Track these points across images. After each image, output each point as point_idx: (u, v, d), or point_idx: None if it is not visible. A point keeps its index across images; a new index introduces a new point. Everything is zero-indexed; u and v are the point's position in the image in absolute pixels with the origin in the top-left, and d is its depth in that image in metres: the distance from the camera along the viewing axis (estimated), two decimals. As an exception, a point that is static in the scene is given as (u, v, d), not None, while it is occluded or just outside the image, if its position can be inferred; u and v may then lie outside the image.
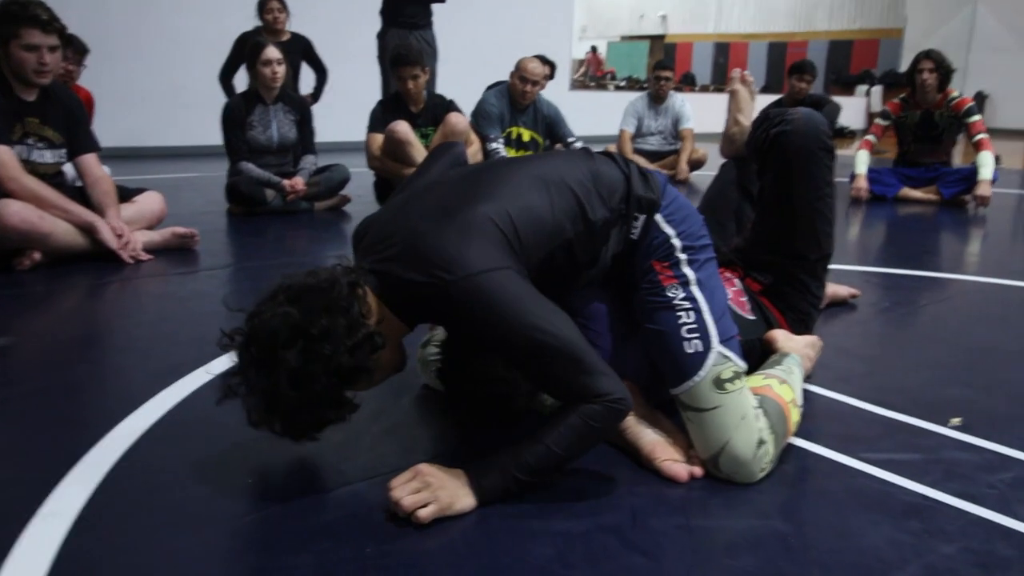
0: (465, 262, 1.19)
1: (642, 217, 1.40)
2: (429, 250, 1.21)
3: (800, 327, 1.78)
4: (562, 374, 1.19)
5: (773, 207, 1.76)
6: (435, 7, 5.35)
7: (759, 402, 1.38)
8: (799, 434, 1.48)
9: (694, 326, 1.36)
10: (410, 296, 1.23)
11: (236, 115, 3.82)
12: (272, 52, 3.79)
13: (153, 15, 6.48)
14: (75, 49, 4.06)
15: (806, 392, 1.68)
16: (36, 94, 2.75)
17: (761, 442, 1.31)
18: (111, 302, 2.42)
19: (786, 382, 1.48)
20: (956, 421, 1.58)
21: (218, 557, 1.09)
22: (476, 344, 1.40)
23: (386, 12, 5.26)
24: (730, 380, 1.34)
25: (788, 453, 1.41)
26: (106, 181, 2.92)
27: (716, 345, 1.36)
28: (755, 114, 1.96)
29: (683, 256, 1.41)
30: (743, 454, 1.29)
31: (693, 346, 1.35)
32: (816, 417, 1.59)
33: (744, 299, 1.72)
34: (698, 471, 1.32)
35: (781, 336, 1.69)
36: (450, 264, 1.18)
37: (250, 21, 5.08)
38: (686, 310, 1.37)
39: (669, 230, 1.41)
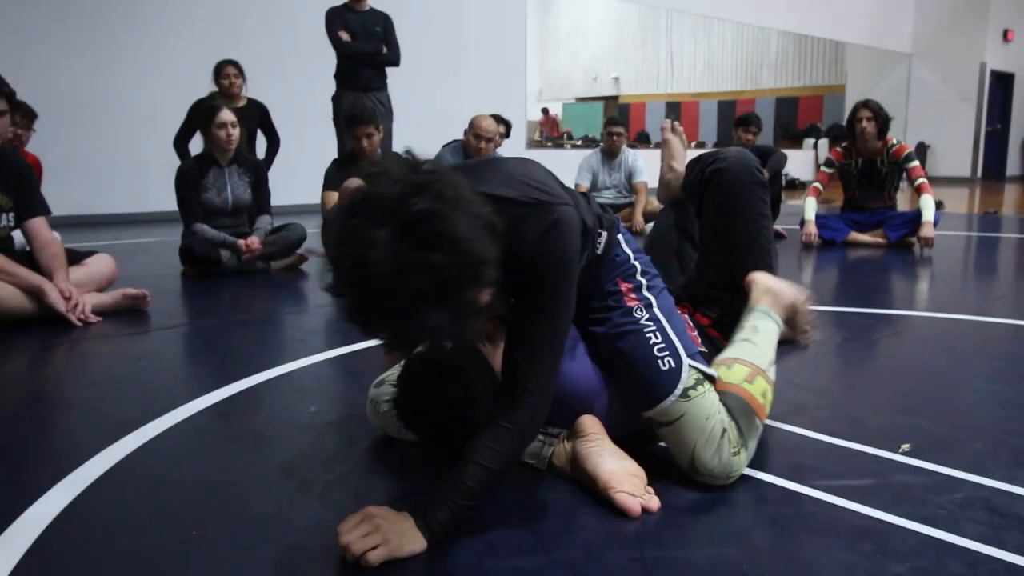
0: (555, 191, 1.25)
1: (605, 233, 1.47)
2: (522, 175, 1.24)
3: None
4: (538, 344, 1.22)
5: (714, 242, 1.82)
6: (390, 70, 5.46)
7: (720, 397, 1.44)
8: (752, 465, 1.48)
9: (663, 345, 1.42)
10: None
11: (190, 177, 3.82)
12: (226, 115, 3.81)
13: (105, 81, 6.50)
14: (24, 114, 4.04)
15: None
16: (-17, 158, 2.72)
17: (724, 432, 1.38)
18: (58, 364, 2.36)
19: (738, 360, 1.52)
20: (905, 447, 1.60)
21: (158, 611, 1.05)
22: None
23: (341, 75, 5.36)
24: (693, 387, 1.40)
25: (742, 484, 1.42)
26: (55, 244, 2.88)
27: (685, 359, 1.42)
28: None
29: (643, 280, 1.50)
30: (706, 460, 1.38)
31: (667, 363, 1.40)
32: (769, 448, 1.60)
33: (695, 333, 1.74)
34: (653, 504, 1.32)
35: (758, 279, 1.72)
36: (547, 188, 1.24)
37: (205, 88, 5.13)
38: (653, 331, 1.44)
39: (628, 251, 1.51)
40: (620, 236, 1.53)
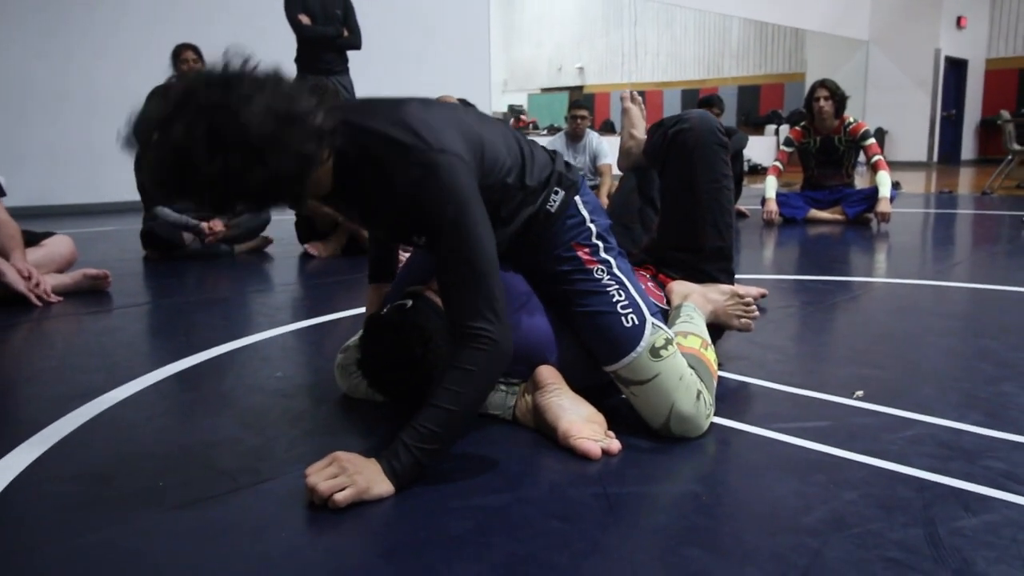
0: (441, 139, 1.24)
1: (561, 193, 1.48)
2: (412, 118, 1.25)
3: None
4: (463, 284, 1.22)
5: (676, 202, 1.84)
6: (351, 53, 5.43)
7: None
8: (719, 413, 1.52)
9: (626, 303, 1.46)
10: (367, 152, 1.24)
11: None
12: None
13: (55, 66, 6.35)
14: None
15: (722, 378, 1.73)
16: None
17: (699, 393, 1.41)
18: (19, 341, 2.33)
19: (690, 332, 1.57)
20: (859, 393, 1.65)
21: (127, 554, 1.05)
22: (395, 228, 1.39)
23: (301, 59, 5.31)
24: (664, 347, 1.42)
25: (707, 428, 1.45)
26: (10, 225, 2.82)
27: (649, 317, 1.45)
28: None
29: (599, 243, 1.51)
30: (688, 411, 1.39)
31: (631, 320, 1.43)
32: (730, 398, 1.64)
33: (660, 292, 1.78)
34: (614, 447, 1.35)
35: (676, 288, 1.77)
36: (428, 134, 1.23)
37: (161, 73, 5.05)
38: (616, 289, 1.47)
39: (585, 213, 1.51)
40: (579, 198, 1.53)
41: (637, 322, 1.43)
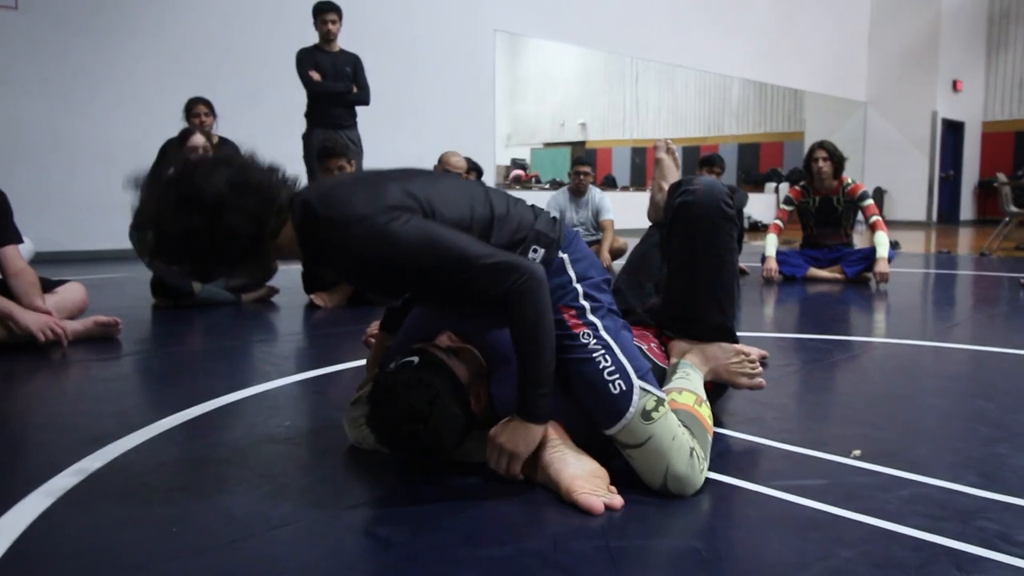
0: (357, 208, 1.40)
1: (541, 251, 1.52)
2: (343, 192, 1.45)
3: None
4: (470, 277, 1.39)
5: (679, 271, 1.84)
6: (360, 109, 5.58)
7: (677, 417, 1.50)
8: (715, 469, 1.55)
9: (612, 368, 1.46)
10: (311, 229, 1.43)
11: None
12: (198, 139, 3.87)
13: (73, 117, 6.52)
14: None
15: (722, 435, 1.77)
16: (-43, 187, 2.75)
17: (692, 451, 1.43)
18: (31, 385, 2.37)
19: (684, 389, 1.60)
20: (856, 452, 1.68)
21: (140, 599, 1.08)
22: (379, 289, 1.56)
23: (311, 114, 5.46)
24: (655, 409, 1.44)
25: (705, 485, 1.48)
26: (29, 272, 2.89)
27: (636, 381, 1.46)
28: None
29: (586, 304, 1.53)
30: (682, 471, 1.42)
31: (618, 386, 1.45)
32: (729, 454, 1.67)
33: (661, 351, 1.81)
34: (616, 503, 1.37)
35: (676, 345, 1.81)
36: (344, 207, 1.40)
37: (174, 125, 5.18)
38: (602, 355, 1.48)
39: (572, 273, 1.54)
40: (566, 255, 1.55)
41: (625, 388, 1.44)
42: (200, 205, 1.34)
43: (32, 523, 1.30)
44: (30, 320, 2.73)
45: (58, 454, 1.63)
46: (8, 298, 2.79)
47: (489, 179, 9.65)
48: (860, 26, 15.14)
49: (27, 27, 6.30)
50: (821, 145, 5.06)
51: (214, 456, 1.67)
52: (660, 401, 1.46)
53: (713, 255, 1.78)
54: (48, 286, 3.04)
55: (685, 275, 1.82)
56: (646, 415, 1.43)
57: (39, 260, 5.60)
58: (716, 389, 1.84)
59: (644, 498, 1.41)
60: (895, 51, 14.87)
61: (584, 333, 1.49)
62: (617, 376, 1.45)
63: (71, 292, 3.10)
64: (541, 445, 1.48)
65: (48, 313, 2.80)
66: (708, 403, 1.64)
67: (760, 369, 1.86)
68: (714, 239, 1.77)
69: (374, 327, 1.85)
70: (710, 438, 1.55)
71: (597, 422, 1.48)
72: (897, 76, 14.82)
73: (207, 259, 1.39)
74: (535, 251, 1.52)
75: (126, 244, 6.56)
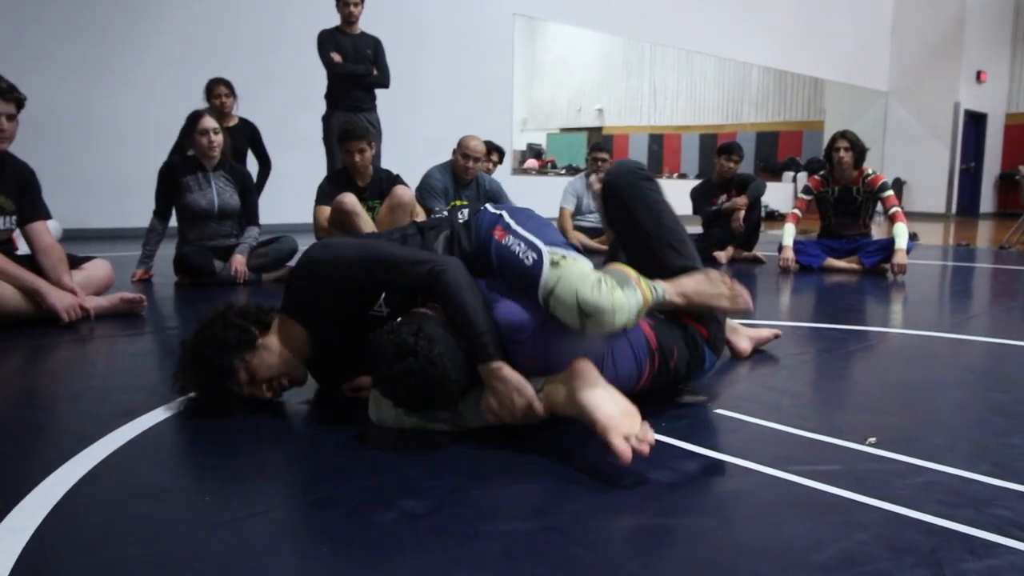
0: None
1: (465, 211, 1.93)
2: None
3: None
4: (394, 275, 1.69)
5: (631, 243, 1.99)
6: (379, 92, 5.60)
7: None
8: (731, 453, 1.58)
9: (523, 246, 1.71)
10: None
11: (169, 171, 3.93)
12: (208, 122, 3.91)
13: (101, 99, 6.59)
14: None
15: (736, 420, 1.80)
16: (-12, 163, 2.80)
17: (600, 280, 1.60)
18: (60, 360, 2.42)
19: (622, 268, 1.75)
20: (872, 440, 1.70)
21: (174, 567, 1.12)
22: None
23: (331, 96, 5.49)
24: (562, 258, 1.65)
25: (718, 466, 1.51)
26: (57, 248, 2.95)
27: (544, 247, 1.69)
28: None
29: (511, 220, 1.82)
30: (590, 295, 1.57)
31: (530, 258, 1.68)
32: (745, 440, 1.70)
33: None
34: (645, 449, 1.42)
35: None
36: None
37: (196, 106, 5.22)
38: (515, 242, 1.73)
39: (497, 211, 1.86)
40: (489, 206, 1.89)
41: (536, 256, 1.67)
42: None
43: (66, 493, 1.34)
44: (56, 299, 2.78)
45: (92, 425, 1.68)
46: (37, 273, 2.84)
47: (506, 164, 9.66)
48: (883, 15, 14.97)
49: (60, 11, 6.36)
50: (843, 135, 5.04)
51: (241, 430, 1.71)
52: (564, 256, 1.66)
53: (648, 209, 1.94)
54: (75, 262, 3.10)
55: (633, 237, 1.97)
56: (554, 263, 1.64)
57: (65, 237, 5.68)
58: (713, 325, 1.91)
59: (664, 479, 1.44)
60: (918, 41, 14.71)
61: (507, 238, 1.75)
62: (528, 250, 1.70)
63: (97, 269, 3.16)
64: (576, 380, 1.55)
65: (73, 291, 2.85)
66: (645, 280, 1.74)
67: (742, 288, 1.88)
68: (644, 195, 1.95)
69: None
70: (633, 284, 1.66)
71: (531, 297, 1.66)
72: (920, 66, 14.65)
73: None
74: (460, 212, 1.91)
75: (141, 223, 6.67)
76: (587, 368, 1.57)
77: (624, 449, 1.40)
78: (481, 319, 1.60)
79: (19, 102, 2.74)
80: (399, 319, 1.63)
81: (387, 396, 1.60)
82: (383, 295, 1.79)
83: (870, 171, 5.11)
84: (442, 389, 1.54)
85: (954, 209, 14.63)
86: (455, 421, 1.66)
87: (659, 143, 18.54)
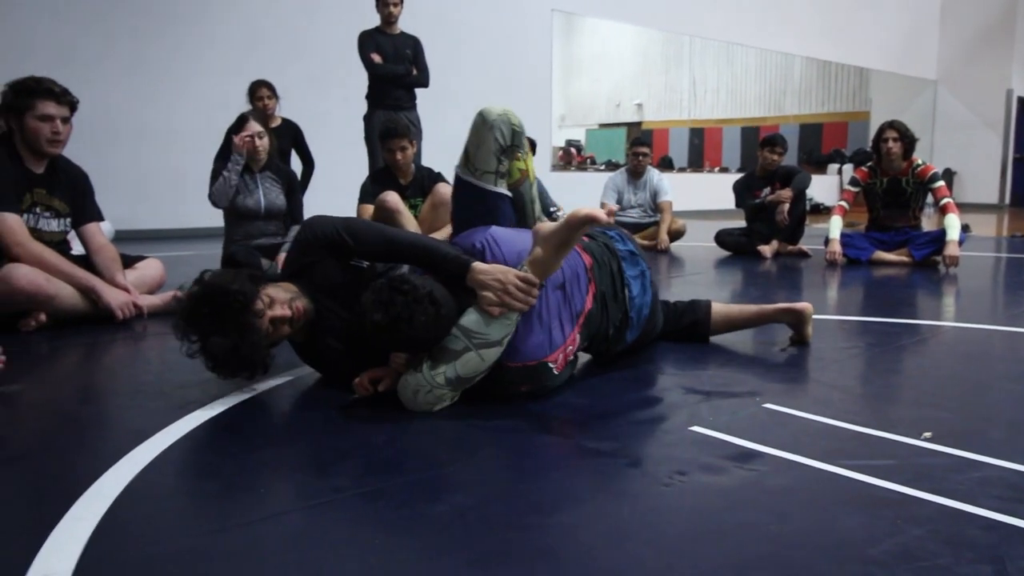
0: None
1: None
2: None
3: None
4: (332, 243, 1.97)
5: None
6: (419, 91, 5.63)
7: None
8: (782, 447, 1.56)
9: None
10: None
11: (227, 152, 4.02)
12: (253, 125, 3.97)
13: (154, 104, 6.75)
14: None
15: (784, 414, 1.78)
16: (44, 166, 2.89)
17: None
18: (116, 356, 2.49)
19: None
20: (927, 434, 1.66)
21: (241, 550, 1.15)
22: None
23: (372, 95, 5.53)
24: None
25: (770, 461, 1.50)
26: (110, 248, 3.03)
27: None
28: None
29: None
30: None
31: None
32: (796, 435, 1.67)
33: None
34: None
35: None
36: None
37: (240, 108, 5.31)
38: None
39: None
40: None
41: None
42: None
43: (127, 484, 1.38)
44: (111, 297, 2.86)
45: (147, 420, 1.73)
46: (92, 273, 2.93)
47: (544, 160, 9.64)
48: (931, 1, 14.60)
49: (115, 18, 6.53)
50: (891, 125, 4.93)
51: (293, 425, 1.75)
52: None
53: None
54: (128, 262, 3.18)
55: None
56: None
57: (121, 239, 5.83)
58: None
59: (707, 477, 1.43)
60: (969, 26, 14.31)
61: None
62: None
63: (150, 268, 3.23)
64: (540, 236, 1.81)
65: (127, 290, 2.93)
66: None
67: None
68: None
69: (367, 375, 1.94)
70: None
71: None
72: (970, 53, 14.26)
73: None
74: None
75: (193, 224, 6.85)
76: (544, 226, 1.82)
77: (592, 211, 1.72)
78: (430, 241, 1.87)
79: (72, 105, 2.82)
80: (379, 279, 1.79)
81: (398, 346, 1.73)
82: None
83: (920, 162, 4.99)
84: (436, 317, 1.68)
85: (1007, 199, 14.21)
86: (478, 346, 1.73)
87: (700, 137, 18.35)
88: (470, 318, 1.75)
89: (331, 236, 1.94)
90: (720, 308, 2.54)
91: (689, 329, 2.50)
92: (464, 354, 1.72)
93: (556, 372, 1.86)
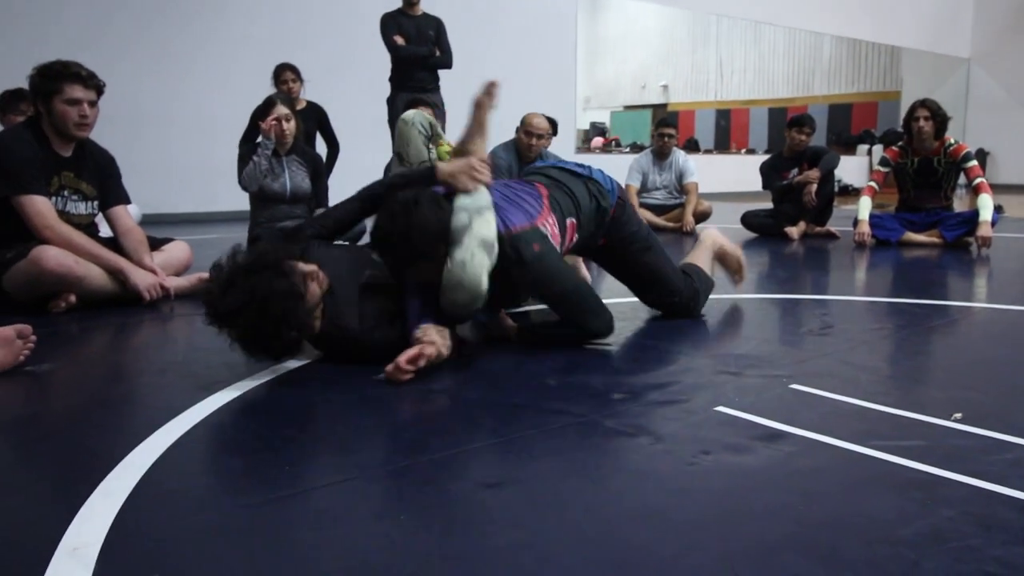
0: None
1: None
2: None
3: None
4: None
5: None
6: (442, 72, 5.61)
7: None
8: (811, 428, 1.54)
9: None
10: None
11: (251, 136, 4.05)
12: (280, 109, 3.98)
13: (169, 87, 6.79)
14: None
15: (812, 395, 1.75)
16: (72, 150, 2.92)
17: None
18: (144, 336, 2.53)
19: None
20: (957, 415, 1.63)
21: (270, 524, 1.16)
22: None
23: (395, 78, 5.53)
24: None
25: (797, 441, 1.48)
26: (137, 231, 3.06)
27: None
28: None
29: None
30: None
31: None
32: (824, 416, 1.65)
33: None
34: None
35: None
36: None
37: (265, 92, 5.32)
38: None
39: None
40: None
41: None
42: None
43: (155, 461, 1.40)
44: (139, 279, 2.89)
45: (179, 397, 1.75)
46: (120, 254, 2.96)
47: (569, 143, 9.58)
48: (965, -24, 14.25)
49: (144, 5, 6.58)
50: (923, 103, 4.82)
51: (317, 404, 1.76)
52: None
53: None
54: (155, 244, 3.21)
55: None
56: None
57: (149, 222, 5.90)
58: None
59: (743, 455, 1.42)
60: (1004, 3, 13.95)
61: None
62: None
63: (177, 250, 3.26)
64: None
65: (154, 271, 2.96)
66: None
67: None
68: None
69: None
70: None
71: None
72: (1006, 30, 13.91)
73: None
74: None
75: (220, 207, 6.91)
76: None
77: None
78: (392, 179, 2.28)
79: (99, 89, 2.84)
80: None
81: (421, 244, 1.95)
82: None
83: (952, 141, 4.88)
84: (434, 202, 2.00)
85: (1042, 180, 13.89)
86: (476, 212, 2.01)
87: (726, 118, 18.14)
88: (458, 200, 2.07)
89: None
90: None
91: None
92: (472, 223, 1.99)
93: (552, 240, 2.15)
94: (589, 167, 2.48)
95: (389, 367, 1.83)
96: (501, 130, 5.84)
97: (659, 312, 2.61)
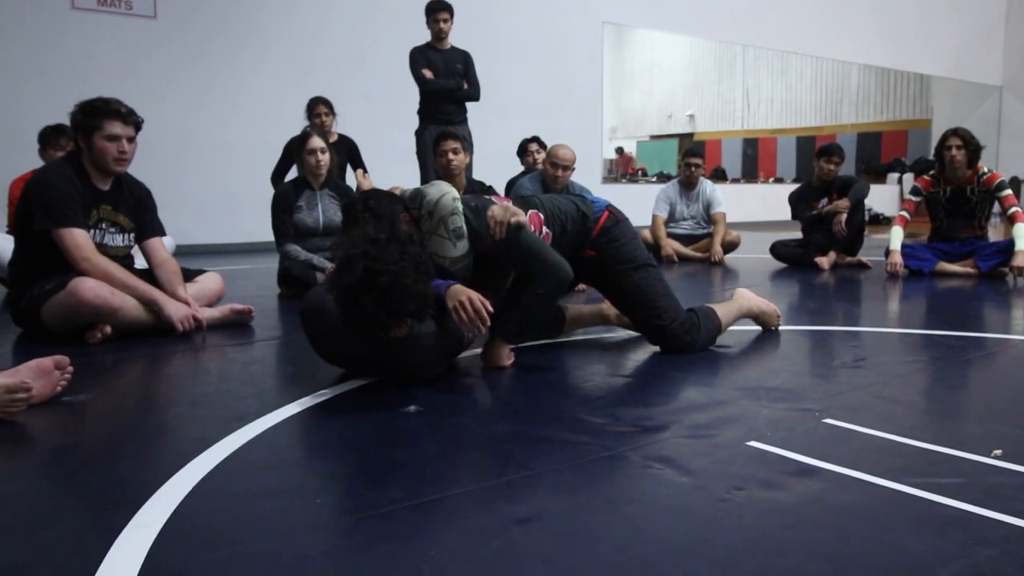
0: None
1: None
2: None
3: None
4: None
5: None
6: (470, 105, 5.68)
7: None
8: (844, 464, 1.52)
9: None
10: None
11: (285, 200, 4.07)
12: (316, 142, 4.06)
13: (200, 118, 6.96)
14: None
15: (845, 429, 1.73)
16: (110, 184, 2.99)
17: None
18: (177, 367, 2.56)
19: None
20: (997, 452, 1.60)
21: (293, 560, 1.16)
22: None
23: (423, 111, 5.61)
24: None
25: (832, 478, 1.46)
26: (172, 263, 3.12)
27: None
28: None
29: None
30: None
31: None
32: (858, 451, 1.62)
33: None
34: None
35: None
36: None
37: (296, 127, 5.43)
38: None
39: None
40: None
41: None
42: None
43: (188, 492, 1.41)
44: (172, 310, 2.93)
45: (211, 429, 1.76)
46: (154, 286, 3.01)
47: (595, 173, 9.62)
48: (996, 3, 14.16)
49: (164, 36, 6.76)
50: (955, 132, 4.78)
51: (351, 436, 1.76)
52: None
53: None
54: (189, 275, 3.27)
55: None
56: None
57: (176, 253, 6.01)
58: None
59: (776, 492, 1.40)
60: (1035, 30, 13.84)
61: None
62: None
63: (210, 281, 3.32)
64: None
65: (187, 303, 3.01)
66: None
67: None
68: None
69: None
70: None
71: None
72: (1037, 57, 13.78)
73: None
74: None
75: (243, 238, 7.02)
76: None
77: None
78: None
79: (137, 125, 2.92)
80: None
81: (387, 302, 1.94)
82: None
83: (985, 169, 4.83)
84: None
85: (1079, 208, 13.64)
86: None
87: (754, 147, 18.09)
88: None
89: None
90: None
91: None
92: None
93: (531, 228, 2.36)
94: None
95: (468, 310, 2.09)
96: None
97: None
